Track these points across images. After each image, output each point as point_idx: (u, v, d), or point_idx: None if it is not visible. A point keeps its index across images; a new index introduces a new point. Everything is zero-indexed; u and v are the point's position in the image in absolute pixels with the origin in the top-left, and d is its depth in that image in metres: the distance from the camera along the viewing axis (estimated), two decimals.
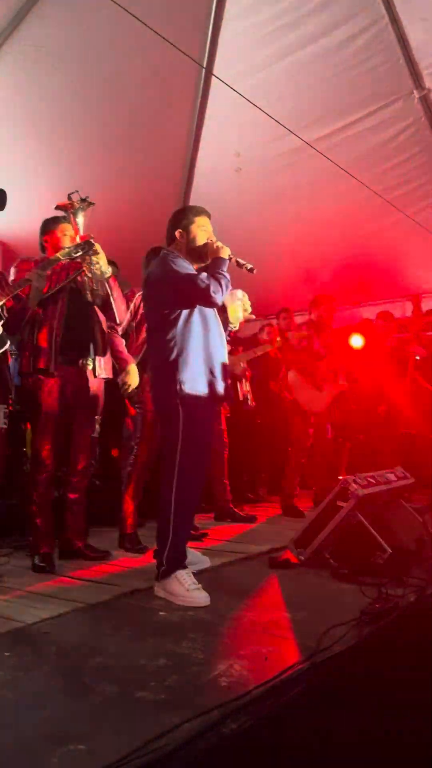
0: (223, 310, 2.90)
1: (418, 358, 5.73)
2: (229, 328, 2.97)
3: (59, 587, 2.68)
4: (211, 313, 2.76)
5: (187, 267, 2.69)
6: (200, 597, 2.47)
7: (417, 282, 6.47)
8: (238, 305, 2.98)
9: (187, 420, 2.58)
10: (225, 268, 2.67)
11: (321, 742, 1.61)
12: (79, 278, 3.17)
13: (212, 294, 2.57)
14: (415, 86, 4.71)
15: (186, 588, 2.49)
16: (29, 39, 4.13)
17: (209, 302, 2.62)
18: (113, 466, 4.49)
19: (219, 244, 2.75)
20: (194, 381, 2.62)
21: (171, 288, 2.64)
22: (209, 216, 2.85)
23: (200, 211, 2.83)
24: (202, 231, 2.78)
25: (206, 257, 2.76)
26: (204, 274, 2.62)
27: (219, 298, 2.62)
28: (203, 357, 2.67)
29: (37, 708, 1.54)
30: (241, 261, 2.82)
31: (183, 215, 2.82)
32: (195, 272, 2.69)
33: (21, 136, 4.65)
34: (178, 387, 2.58)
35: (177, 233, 2.78)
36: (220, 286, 2.60)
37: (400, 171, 5.34)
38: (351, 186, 5.13)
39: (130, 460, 3.59)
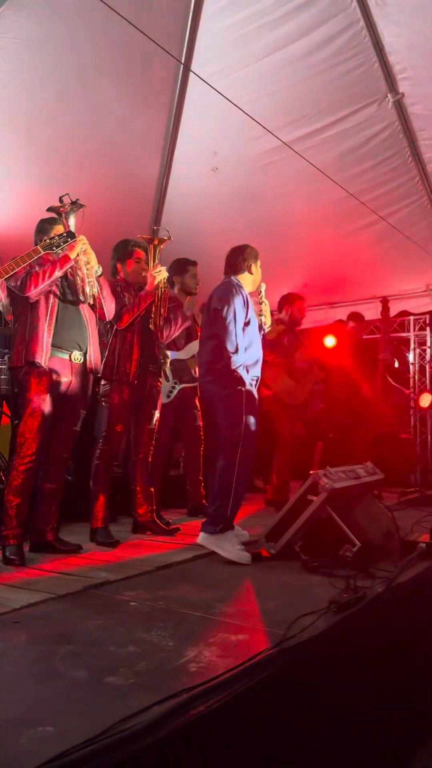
0: None
1: (396, 365, 5.83)
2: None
3: (30, 579, 2.67)
4: (257, 325, 3.56)
5: (242, 315, 3.38)
6: (246, 556, 3.09)
7: (389, 283, 6.57)
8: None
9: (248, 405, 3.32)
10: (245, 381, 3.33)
11: (287, 725, 1.64)
12: (70, 276, 3.19)
13: (229, 358, 3.27)
14: (389, 90, 4.78)
15: (236, 547, 3.11)
16: (6, 31, 4.09)
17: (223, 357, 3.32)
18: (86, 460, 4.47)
19: None
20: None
21: (219, 327, 3.34)
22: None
23: (258, 253, 3.66)
24: (259, 270, 3.66)
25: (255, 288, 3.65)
26: (242, 368, 3.30)
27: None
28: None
29: (6, 692, 1.54)
30: None
31: (254, 254, 3.61)
32: (241, 332, 3.36)
33: None
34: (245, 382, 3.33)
35: (251, 267, 3.58)
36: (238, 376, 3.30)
37: (374, 174, 5.42)
38: (326, 187, 5.20)
39: (96, 453, 3.61)
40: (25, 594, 2.41)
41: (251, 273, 3.60)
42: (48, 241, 2.96)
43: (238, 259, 3.60)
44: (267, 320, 3.73)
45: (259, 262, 3.65)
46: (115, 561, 3.05)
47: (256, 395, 3.48)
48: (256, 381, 3.54)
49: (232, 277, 3.57)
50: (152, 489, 3.96)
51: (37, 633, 2.00)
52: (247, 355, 3.41)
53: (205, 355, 3.50)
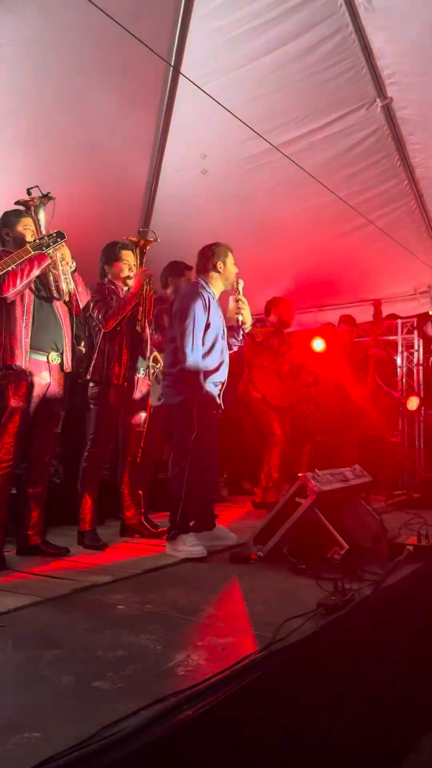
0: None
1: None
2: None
3: (16, 582, 2.65)
4: (221, 330, 3.45)
5: (202, 321, 3.32)
6: (197, 551, 3.16)
7: (377, 287, 6.59)
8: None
9: (200, 411, 3.29)
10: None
11: (276, 728, 1.63)
12: (43, 274, 3.16)
13: (184, 361, 3.24)
14: (378, 95, 4.81)
15: (188, 545, 3.17)
16: None
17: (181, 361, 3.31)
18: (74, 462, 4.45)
19: None
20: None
21: (178, 332, 3.32)
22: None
23: (229, 248, 3.57)
24: (232, 265, 3.56)
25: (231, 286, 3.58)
26: (201, 373, 3.29)
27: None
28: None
29: None
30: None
31: (222, 250, 3.53)
32: (200, 336, 3.31)
33: None
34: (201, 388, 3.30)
35: (218, 265, 3.49)
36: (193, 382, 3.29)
37: (363, 177, 5.44)
38: (315, 190, 5.21)
39: (84, 456, 3.59)
40: (11, 597, 2.39)
41: (219, 271, 3.52)
42: (38, 240, 2.93)
43: (204, 258, 3.55)
44: (246, 318, 3.63)
45: (230, 258, 3.56)
46: (102, 564, 3.03)
47: (218, 401, 3.45)
48: (221, 386, 3.50)
49: (199, 279, 3.52)
50: (140, 492, 3.95)
51: (24, 637, 1.99)
52: (207, 361, 3.36)
53: (166, 359, 3.49)
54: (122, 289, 3.77)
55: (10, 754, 1.26)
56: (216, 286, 3.53)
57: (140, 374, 3.79)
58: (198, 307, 3.33)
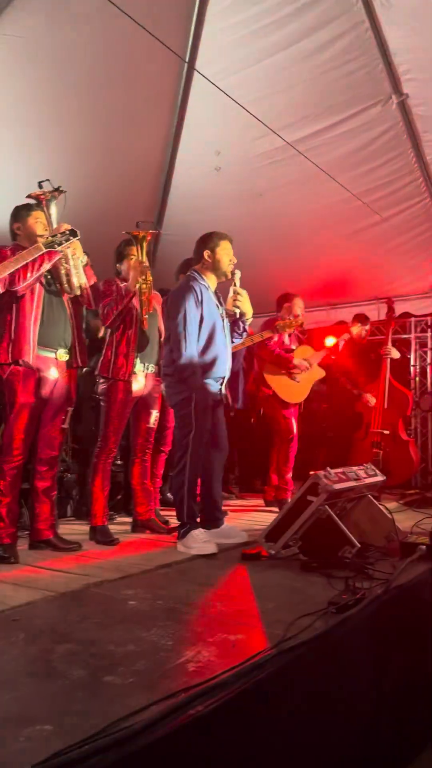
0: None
1: (398, 355, 5.84)
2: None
3: (28, 576, 2.67)
4: (220, 323, 3.39)
5: (195, 316, 3.26)
6: (208, 547, 3.14)
7: (391, 285, 6.56)
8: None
9: (198, 409, 3.26)
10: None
11: (285, 725, 1.63)
12: (55, 268, 3.16)
13: (179, 359, 3.23)
14: (394, 91, 4.78)
15: (199, 542, 3.16)
16: (9, 28, 4.09)
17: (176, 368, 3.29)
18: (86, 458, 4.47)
19: None
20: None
21: (172, 330, 3.31)
22: (231, 241, 3.46)
23: (224, 236, 3.44)
24: (225, 255, 3.42)
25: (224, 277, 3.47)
26: (198, 370, 3.25)
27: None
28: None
29: (5, 690, 1.54)
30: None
31: (214, 239, 3.41)
32: (195, 332, 3.26)
33: None
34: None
35: (207, 254, 3.40)
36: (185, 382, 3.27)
37: (377, 174, 5.41)
38: (329, 188, 5.20)
39: (95, 451, 3.60)
40: (24, 592, 2.41)
41: (210, 260, 3.41)
42: (50, 238, 2.93)
43: (196, 249, 3.46)
44: (245, 310, 3.54)
45: (222, 247, 3.42)
46: (114, 560, 3.05)
47: (218, 396, 3.41)
48: (222, 381, 3.44)
49: (192, 272, 3.45)
50: (151, 488, 3.96)
51: (36, 631, 2.00)
52: (204, 356, 3.33)
53: (164, 359, 3.47)
54: None
55: (23, 746, 1.27)
56: (209, 277, 3.44)
57: (150, 370, 3.78)
58: (190, 302, 3.27)
